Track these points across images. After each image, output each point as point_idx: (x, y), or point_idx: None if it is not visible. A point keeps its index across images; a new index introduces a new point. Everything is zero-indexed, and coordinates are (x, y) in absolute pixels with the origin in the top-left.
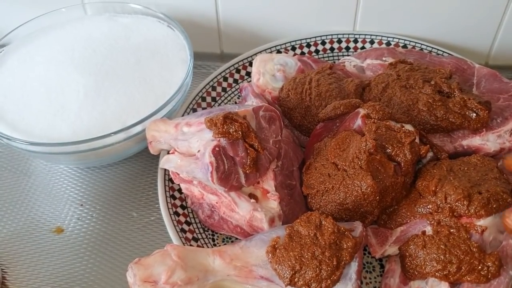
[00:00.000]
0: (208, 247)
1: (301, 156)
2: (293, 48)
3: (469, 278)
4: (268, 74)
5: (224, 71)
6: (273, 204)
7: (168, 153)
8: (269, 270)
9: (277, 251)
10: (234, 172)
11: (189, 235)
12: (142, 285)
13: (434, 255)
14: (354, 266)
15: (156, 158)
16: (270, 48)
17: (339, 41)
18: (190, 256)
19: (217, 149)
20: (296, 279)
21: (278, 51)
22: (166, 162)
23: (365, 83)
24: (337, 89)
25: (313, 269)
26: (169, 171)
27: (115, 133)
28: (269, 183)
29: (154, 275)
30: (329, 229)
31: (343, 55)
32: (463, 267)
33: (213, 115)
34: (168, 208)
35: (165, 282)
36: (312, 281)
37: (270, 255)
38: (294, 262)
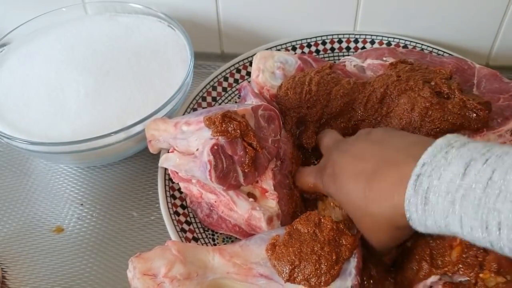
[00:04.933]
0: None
1: (301, 156)
2: (294, 48)
3: None
4: (268, 71)
5: (224, 71)
6: (272, 203)
7: (167, 152)
8: (268, 267)
9: (277, 247)
10: (233, 171)
11: (189, 235)
12: (141, 278)
13: None
14: (353, 262)
15: (156, 158)
16: (270, 48)
17: (340, 41)
18: (190, 252)
19: (215, 147)
20: (295, 274)
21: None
22: (165, 161)
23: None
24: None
25: (313, 264)
26: (169, 171)
27: (115, 132)
28: (267, 182)
29: (153, 268)
30: (328, 226)
31: (343, 55)
32: None
33: (212, 114)
34: (168, 208)
35: (164, 276)
36: (311, 275)
37: (269, 252)
38: (293, 257)
